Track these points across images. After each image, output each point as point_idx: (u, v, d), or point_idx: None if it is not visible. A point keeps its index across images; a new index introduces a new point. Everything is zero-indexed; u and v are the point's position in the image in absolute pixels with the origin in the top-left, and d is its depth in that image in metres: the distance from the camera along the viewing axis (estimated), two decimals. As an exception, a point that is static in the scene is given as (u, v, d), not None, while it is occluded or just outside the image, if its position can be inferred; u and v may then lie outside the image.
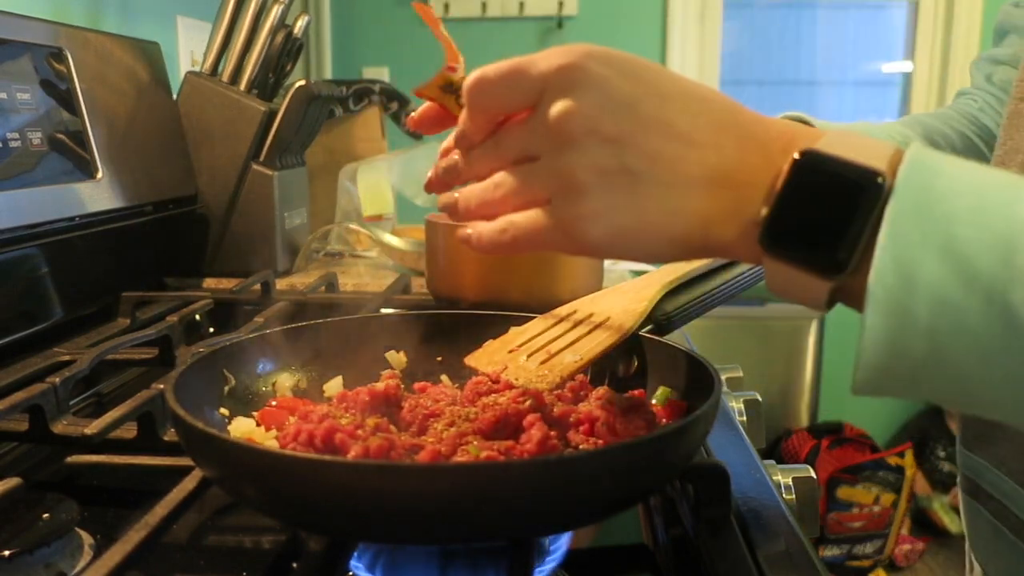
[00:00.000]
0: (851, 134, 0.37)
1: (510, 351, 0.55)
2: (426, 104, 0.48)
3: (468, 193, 0.44)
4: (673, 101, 0.39)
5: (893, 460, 2.44)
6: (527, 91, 0.40)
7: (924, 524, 2.60)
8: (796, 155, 0.36)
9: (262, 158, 1.15)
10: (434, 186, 0.47)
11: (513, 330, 0.58)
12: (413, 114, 0.50)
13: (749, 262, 0.40)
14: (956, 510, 2.57)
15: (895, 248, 0.33)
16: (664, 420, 0.50)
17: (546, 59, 0.40)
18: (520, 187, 0.42)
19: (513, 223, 0.42)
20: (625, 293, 0.58)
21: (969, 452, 0.61)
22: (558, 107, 0.39)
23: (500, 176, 0.43)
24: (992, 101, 0.79)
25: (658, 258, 0.41)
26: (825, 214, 0.35)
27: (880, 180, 0.34)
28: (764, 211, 0.37)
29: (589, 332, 0.54)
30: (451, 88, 0.46)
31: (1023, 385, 0.33)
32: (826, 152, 0.36)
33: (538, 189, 0.41)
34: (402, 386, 0.55)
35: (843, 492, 2.40)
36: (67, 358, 0.75)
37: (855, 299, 0.36)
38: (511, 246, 0.42)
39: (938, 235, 0.33)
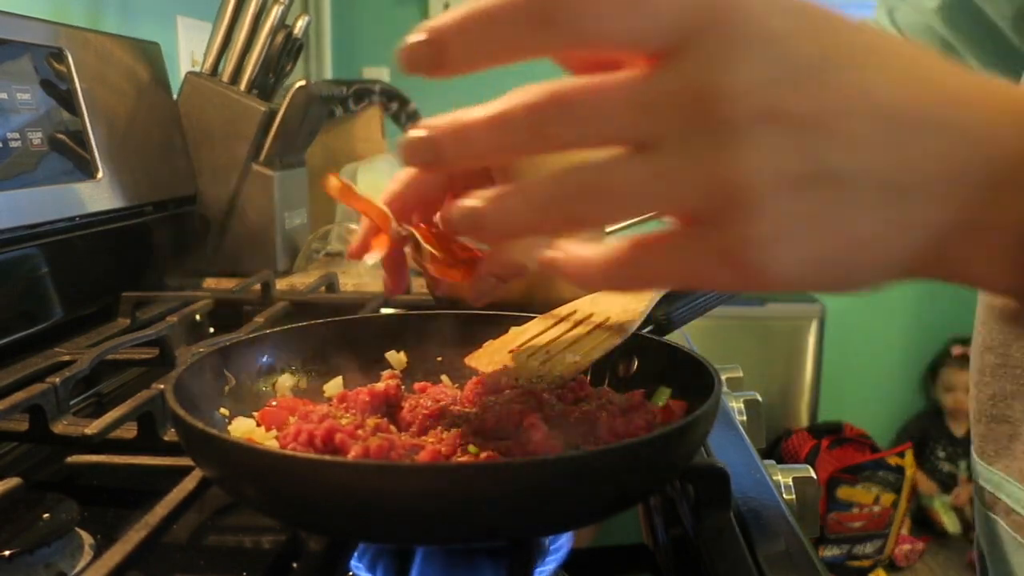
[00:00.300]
0: None
1: (510, 351, 0.55)
2: (362, 230, 0.46)
3: (526, 192, 0.28)
4: (868, 59, 0.27)
5: (893, 460, 2.45)
6: (651, 28, 0.25)
7: (924, 524, 2.60)
8: None
9: (262, 158, 1.15)
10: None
11: (513, 330, 0.58)
12: (353, 245, 0.46)
13: (990, 291, 0.29)
14: (956, 510, 2.57)
15: None
16: (664, 420, 0.50)
17: None
18: (640, 192, 0.26)
19: (636, 254, 0.28)
20: (625, 293, 0.58)
21: (988, 465, 0.58)
22: (713, 71, 0.25)
23: (597, 170, 0.27)
24: None
25: (867, 288, 0.29)
26: None
27: None
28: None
29: (589, 332, 0.54)
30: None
31: None
32: None
33: (677, 199, 0.26)
34: (402, 386, 0.55)
35: (843, 492, 2.40)
36: (67, 358, 0.75)
37: None
38: (632, 283, 0.29)
39: None
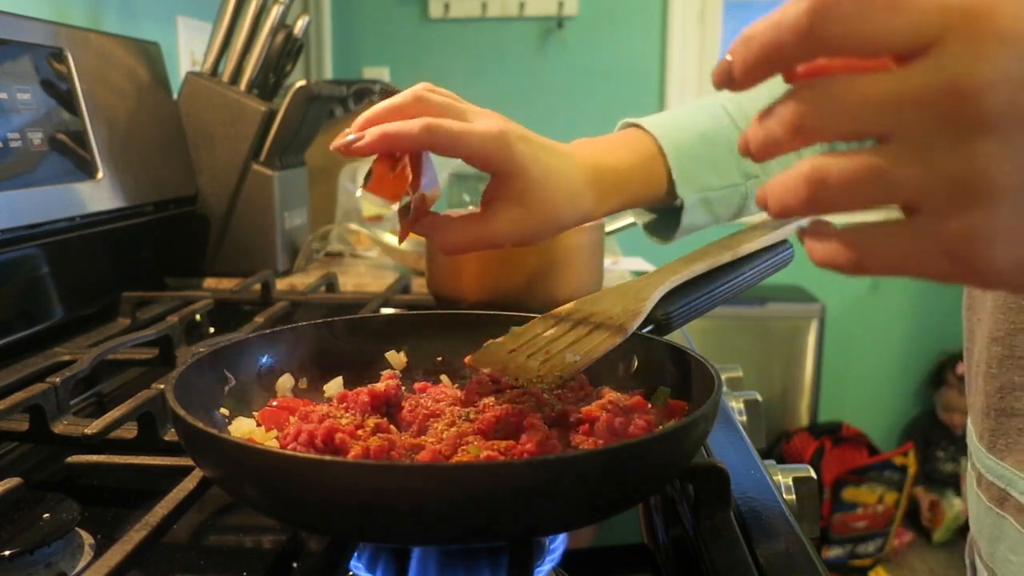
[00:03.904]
0: None
1: (510, 351, 0.55)
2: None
3: (787, 181, 0.31)
4: None
5: (898, 460, 2.45)
6: (912, 29, 0.27)
7: (924, 523, 2.61)
8: None
9: (262, 158, 1.15)
10: (754, 153, 0.32)
11: (513, 330, 0.58)
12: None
13: None
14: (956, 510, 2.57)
15: None
16: (664, 420, 0.50)
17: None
18: (887, 179, 0.28)
19: (859, 239, 0.30)
20: (625, 293, 0.58)
21: (999, 460, 0.57)
22: (963, 66, 0.26)
23: (842, 170, 0.29)
24: None
25: None
26: None
27: None
28: None
29: (589, 332, 0.54)
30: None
31: None
32: None
33: (918, 187, 0.28)
34: (402, 386, 0.55)
35: (848, 493, 2.40)
36: (67, 358, 0.75)
37: None
38: (856, 267, 0.30)
39: None
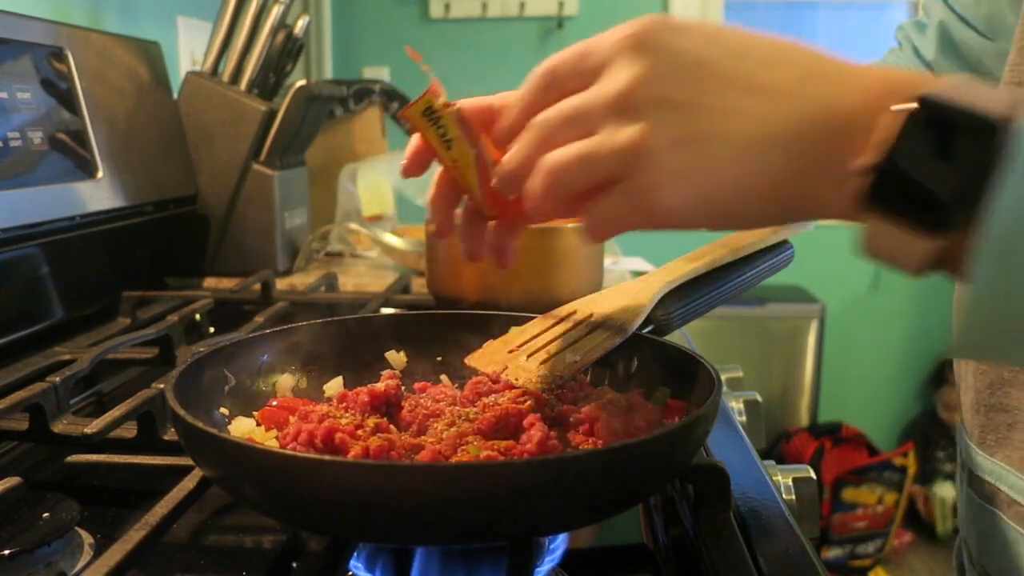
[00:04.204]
0: (965, 79, 0.33)
1: (510, 351, 0.55)
2: (411, 146, 0.48)
3: (528, 186, 0.41)
4: (750, 56, 0.37)
5: (898, 460, 2.45)
6: (595, 70, 0.39)
7: (923, 523, 2.61)
8: (914, 102, 0.32)
9: (262, 158, 1.15)
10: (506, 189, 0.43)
11: (513, 330, 0.58)
12: (403, 162, 0.48)
13: (844, 219, 0.36)
14: (956, 509, 2.57)
15: (1017, 186, 0.30)
16: (664, 420, 0.50)
17: (612, 33, 0.39)
18: (583, 167, 0.39)
19: (590, 214, 0.40)
20: (625, 293, 0.58)
21: (988, 456, 0.58)
22: (621, 76, 0.37)
23: (558, 161, 0.39)
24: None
25: (746, 221, 0.39)
26: (944, 168, 0.32)
27: (1012, 127, 0.31)
28: (869, 162, 0.33)
29: (589, 332, 0.54)
30: (432, 114, 0.45)
31: None
32: (947, 98, 0.32)
33: (604, 162, 0.38)
34: (402, 386, 0.55)
35: (848, 494, 2.40)
36: (67, 357, 0.75)
37: (957, 261, 0.33)
38: (598, 235, 0.41)
39: None
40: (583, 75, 0.40)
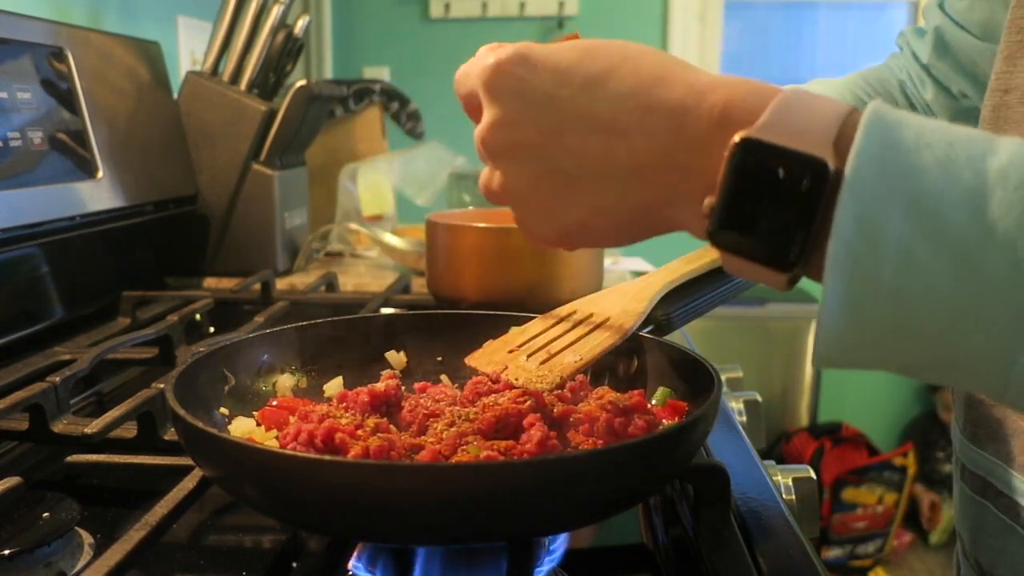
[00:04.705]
0: (800, 97, 0.34)
1: (510, 351, 0.55)
2: None
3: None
4: (595, 85, 0.38)
5: (898, 460, 2.45)
6: (472, 95, 0.42)
7: (922, 525, 2.61)
8: (733, 144, 0.33)
9: (262, 158, 1.15)
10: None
11: (513, 330, 0.58)
12: None
13: (700, 237, 0.37)
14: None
15: (858, 205, 0.30)
16: (664, 420, 0.50)
17: (477, 60, 0.41)
18: (486, 191, 0.44)
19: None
20: (625, 293, 0.58)
21: (979, 449, 0.59)
22: (482, 124, 0.41)
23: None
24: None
25: (621, 243, 0.42)
26: (770, 211, 0.33)
27: (827, 168, 0.32)
28: (709, 199, 0.34)
29: (589, 332, 0.54)
30: None
31: (997, 351, 0.31)
32: (765, 140, 0.33)
33: (497, 193, 0.43)
34: (402, 386, 0.55)
35: (848, 494, 2.40)
36: (67, 357, 0.75)
37: (815, 272, 0.33)
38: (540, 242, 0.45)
39: (904, 189, 0.30)
40: (465, 98, 0.43)
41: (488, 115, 0.40)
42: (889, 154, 0.31)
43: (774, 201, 0.33)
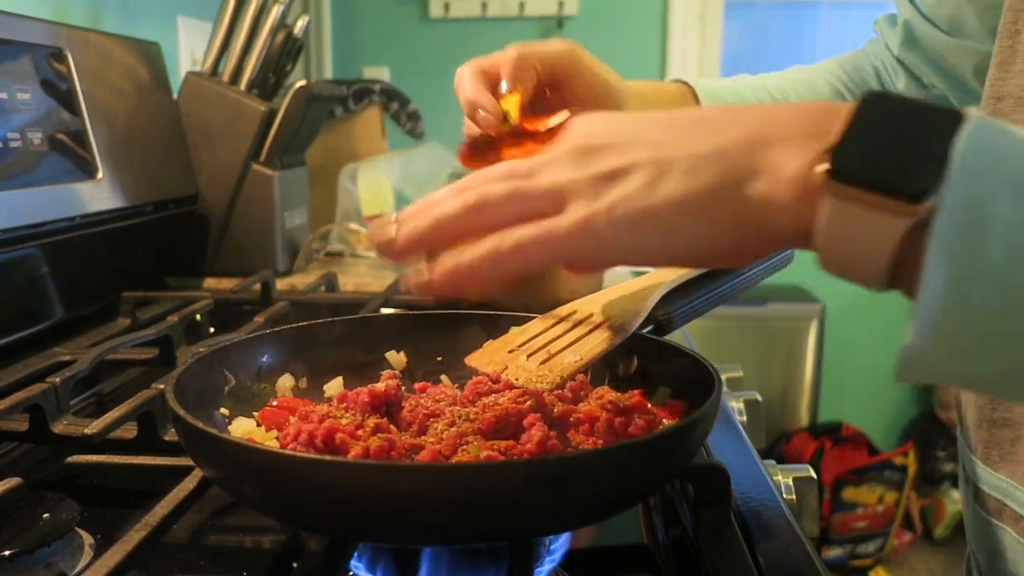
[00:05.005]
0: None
1: (510, 351, 0.55)
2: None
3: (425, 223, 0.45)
4: (655, 123, 0.40)
5: (898, 460, 2.45)
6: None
7: (923, 523, 2.61)
8: (861, 94, 0.34)
9: (262, 158, 1.15)
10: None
11: (513, 330, 0.58)
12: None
13: (794, 228, 0.34)
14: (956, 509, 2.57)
15: (967, 183, 0.29)
16: (664, 420, 0.50)
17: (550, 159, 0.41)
18: (511, 200, 0.39)
19: (519, 235, 0.39)
20: (625, 293, 0.58)
21: (993, 471, 0.57)
22: (544, 171, 0.40)
23: (475, 196, 0.41)
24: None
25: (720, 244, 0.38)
26: (903, 135, 0.31)
27: (955, 111, 0.31)
28: (825, 145, 0.32)
29: (589, 332, 0.54)
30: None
31: None
32: (891, 94, 0.33)
33: (538, 200, 0.39)
34: (402, 386, 0.55)
35: (849, 493, 2.40)
36: (67, 358, 0.75)
37: (913, 276, 0.31)
38: (510, 265, 0.40)
39: (1013, 173, 0.30)
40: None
41: (555, 171, 0.40)
42: (997, 140, 0.30)
43: (909, 128, 0.32)
